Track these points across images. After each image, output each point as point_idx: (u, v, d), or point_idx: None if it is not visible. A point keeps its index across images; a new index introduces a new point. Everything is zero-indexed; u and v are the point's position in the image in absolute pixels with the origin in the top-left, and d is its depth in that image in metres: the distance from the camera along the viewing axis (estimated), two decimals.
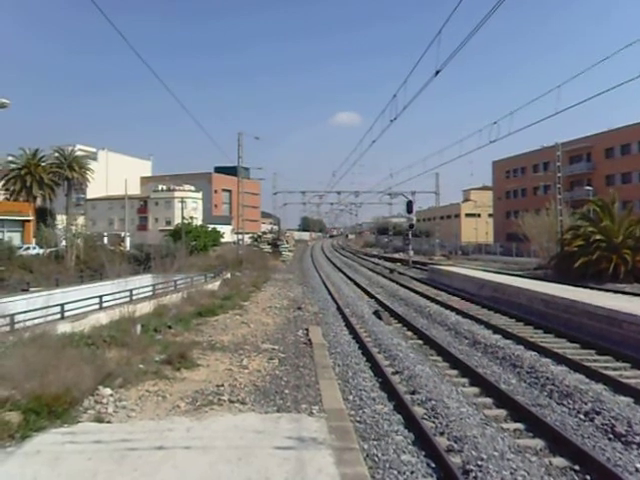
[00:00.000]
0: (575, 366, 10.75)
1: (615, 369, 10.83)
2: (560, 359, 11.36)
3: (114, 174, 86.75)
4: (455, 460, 6.39)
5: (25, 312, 12.99)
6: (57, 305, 14.44)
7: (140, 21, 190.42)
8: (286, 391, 8.69)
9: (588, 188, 53.60)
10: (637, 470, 6.27)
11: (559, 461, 6.54)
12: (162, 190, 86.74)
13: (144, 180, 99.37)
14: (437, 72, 12.98)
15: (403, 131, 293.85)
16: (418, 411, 8.18)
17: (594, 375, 10.07)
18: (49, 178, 59.38)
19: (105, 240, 61.81)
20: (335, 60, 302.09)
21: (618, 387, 9.31)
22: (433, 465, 6.31)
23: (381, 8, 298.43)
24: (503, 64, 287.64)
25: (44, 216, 58.58)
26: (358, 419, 7.84)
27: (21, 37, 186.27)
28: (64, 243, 47.56)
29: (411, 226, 48.77)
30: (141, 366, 9.72)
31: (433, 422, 7.80)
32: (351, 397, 8.97)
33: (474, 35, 12.04)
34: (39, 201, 60.45)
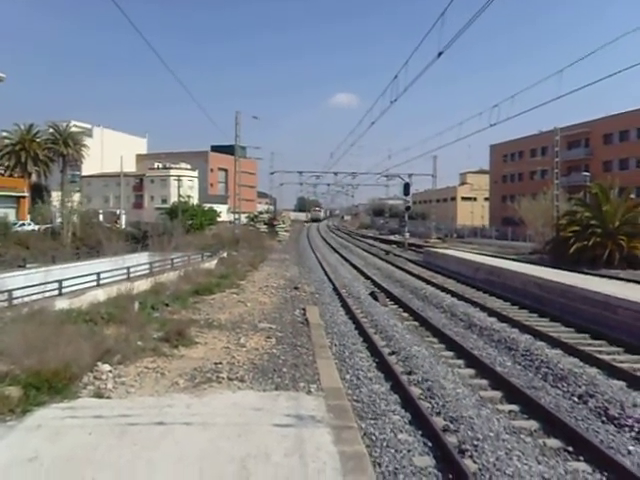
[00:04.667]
0: (570, 350, 10.86)
1: (609, 353, 10.95)
2: (555, 342, 11.47)
3: (109, 151, 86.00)
4: (451, 440, 6.48)
5: (23, 288, 12.98)
6: (55, 281, 14.43)
7: (139, 4, 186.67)
8: (284, 369, 8.75)
9: (585, 174, 53.63)
10: (629, 452, 6.38)
11: (553, 442, 6.65)
12: (158, 168, 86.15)
13: (140, 158, 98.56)
14: (440, 54, 12.86)
15: (403, 113, 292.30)
16: (415, 391, 8.27)
17: (588, 359, 10.18)
18: (44, 154, 58.71)
19: (100, 217, 61.54)
20: (334, 46, 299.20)
21: (612, 371, 9.44)
22: (430, 444, 6.40)
23: None
24: (503, 52, 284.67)
25: (39, 192, 58.17)
26: (355, 398, 7.92)
27: (21, 12, 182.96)
28: (59, 220, 47.33)
29: (408, 208, 48.74)
30: (139, 343, 9.76)
31: (429, 402, 7.89)
32: (348, 376, 9.05)
33: (476, 20, 11.92)
34: (34, 177, 59.95)
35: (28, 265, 26.88)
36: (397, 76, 18.31)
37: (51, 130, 62.47)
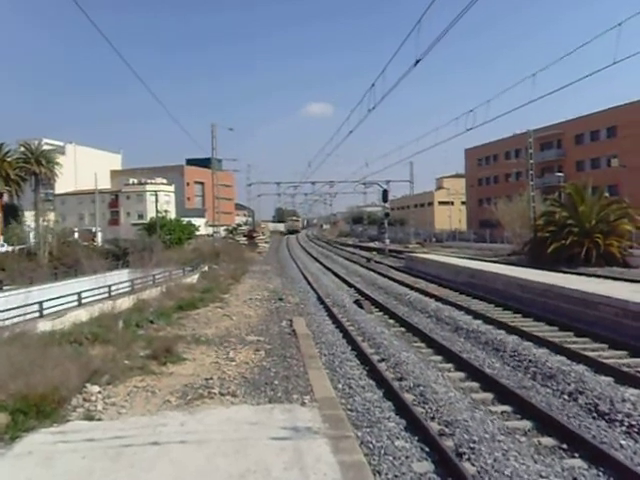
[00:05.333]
0: (556, 348, 11.00)
1: (594, 350, 11.11)
2: (541, 342, 11.60)
3: (83, 168, 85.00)
4: (448, 444, 6.50)
5: (2, 311, 12.68)
6: (35, 303, 14.13)
7: (106, 15, 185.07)
8: (276, 382, 8.69)
9: (559, 174, 54.59)
10: (622, 446, 6.47)
11: (548, 441, 6.71)
12: (133, 184, 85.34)
13: (114, 174, 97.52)
14: (417, 61, 13.01)
15: (381, 119, 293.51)
16: (408, 397, 8.28)
17: (575, 356, 10.32)
18: (15, 173, 57.88)
19: (76, 235, 60.60)
20: (306, 52, 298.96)
21: (599, 367, 9.58)
22: (427, 449, 6.41)
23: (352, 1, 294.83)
24: (483, 49, 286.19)
25: (12, 212, 57.18)
26: (349, 407, 7.89)
27: None
28: (33, 240, 46.49)
29: (387, 215, 49.07)
30: (126, 362, 9.61)
31: (423, 407, 7.91)
32: (340, 386, 9.02)
33: (456, 22, 12.01)
34: (5, 197, 58.96)
35: (5, 287, 26.30)
36: (374, 84, 18.43)
37: (22, 149, 61.60)
